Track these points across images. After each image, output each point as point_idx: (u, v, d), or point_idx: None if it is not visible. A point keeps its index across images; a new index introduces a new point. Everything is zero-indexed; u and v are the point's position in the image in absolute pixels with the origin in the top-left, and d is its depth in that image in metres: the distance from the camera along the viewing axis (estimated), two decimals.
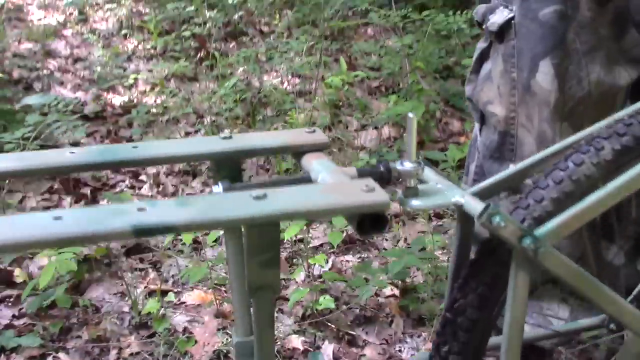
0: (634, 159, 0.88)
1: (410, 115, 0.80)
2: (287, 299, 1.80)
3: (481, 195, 0.88)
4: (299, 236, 2.08)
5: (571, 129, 1.18)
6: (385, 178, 0.82)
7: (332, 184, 0.73)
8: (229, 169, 0.84)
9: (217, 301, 1.80)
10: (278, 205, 0.65)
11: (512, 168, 0.98)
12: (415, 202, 0.83)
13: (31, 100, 2.42)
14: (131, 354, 1.61)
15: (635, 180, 0.84)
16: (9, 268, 1.89)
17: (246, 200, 0.66)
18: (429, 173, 0.88)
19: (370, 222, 0.69)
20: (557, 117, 1.21)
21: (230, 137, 0.85)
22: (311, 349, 1.65)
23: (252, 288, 0.70)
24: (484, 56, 1.33)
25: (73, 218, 0.63)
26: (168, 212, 0.64)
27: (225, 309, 1.78)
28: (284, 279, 1.92)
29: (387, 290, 1.90)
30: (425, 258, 1.87)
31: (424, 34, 3.06)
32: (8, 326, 1.68)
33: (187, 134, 2.86)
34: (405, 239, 2.15)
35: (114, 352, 1.62)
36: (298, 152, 0.86)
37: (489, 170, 1.31)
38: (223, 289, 1.87)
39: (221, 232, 2.12)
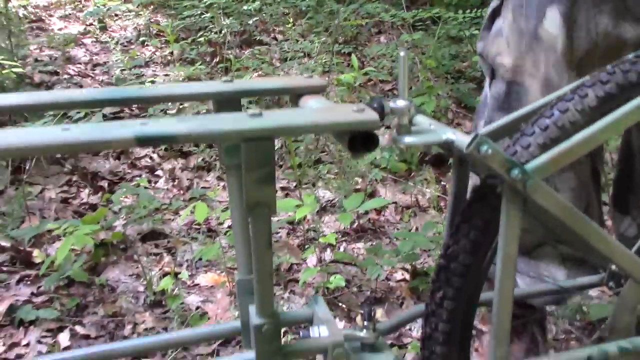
0: (617, 106, 0.91)
1: (402, 53, 0.84)
2: (298, 281, 1.84)
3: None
4: (311, 225, 2.13)
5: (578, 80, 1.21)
6: (379, 114, 0.86)
7: (325, 107, 0.77)
8: (229, 110, 0.88)
9: (230, 283, 1.84)
10: (272, 122, 0.70)
11: (514, 114, 1.01)
12: (407, 139, 0.86)
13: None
14: (146, 329, 1.65)
15: (622, 120, 0.87)
16: (28, 249, 1.95)
17: (243, 117, 0.71)
18: (421, 118, 0.92)
19: (361, 141, 0.73)
20: (564, 65, 1.23)
21: (231, 81, 0.90)
22: None
23: (250, 205, 0.74)
24: (495, 13, 1.36)
25: (80, 130, 0.68)
26: (169, 125, 0.69)
27: (235, 291, 1.82)
28: (296, 263, 1.96)
29: (398, 275, 1.93)
30: (435, 241, 1.90)
31: (435, 36, 3.11)
32: (27, 302, 1.73)
33: None
34: (417, 229, 2.18)
35: (128, 327, 1.66)
36: (296, 94, 0.90)
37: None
38: (236, 272, 1.90)
39: None
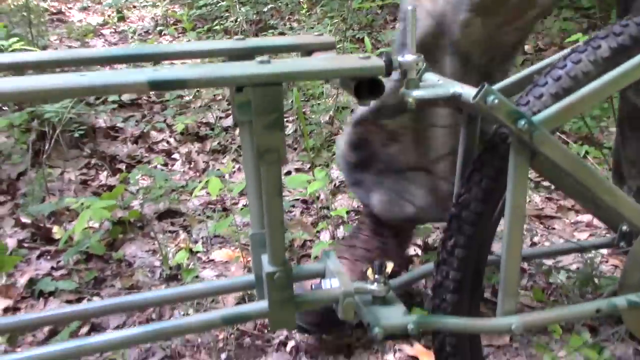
0: (629, 58, 0.92)
1: (410, 7, 0.86)
2: (311, 256, 1.86)
3: None
4: (325, 203, 2.15)
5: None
6: (387, 68, 0.88)
7: (332, 56, 0.79)
8: None
9: (244, 258, 1.87)
10: (280, 68, 0.72)
11: (526, 70, 1.02)
12: (416, 93, 0.87)
13: None
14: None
15: (630, 72, 0.88)
16: (48, 226, 1.99)
17: (252, 64, 0.73)
18: (430, 75, 0.94)
19: (367, 87, 0.75)
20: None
21: (243, 39, 0.92)
22: None
23: (260, 152, 0.76)
24: None
25: (97, 75, 0.70)
26: (181, 71, 0.71)
27: (251, 266, 1.84)
28: (309, 240, 1.98)
29: (410, 250, 1.94)
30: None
31: None
32: (46, 275, 1.77)
33: (220, 118, 2.95)
34: None
35: None
36: (307, 50, 0.92)
37: None
38: (249, 248, 1.93)
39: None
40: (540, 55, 3.51)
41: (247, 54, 0.90)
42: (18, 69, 0.88)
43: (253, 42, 0.92)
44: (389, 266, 0.99)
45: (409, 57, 0.87)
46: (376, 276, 0.94)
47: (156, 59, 0.91)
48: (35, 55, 0.88)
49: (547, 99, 0.92)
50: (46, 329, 1.57)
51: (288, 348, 1.50)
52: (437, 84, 0.90)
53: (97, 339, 0.84)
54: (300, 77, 0.73)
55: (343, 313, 0.88)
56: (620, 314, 0.98)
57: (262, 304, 0.88)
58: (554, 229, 2.08)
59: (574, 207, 2.19)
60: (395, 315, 0.89)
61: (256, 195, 0.95)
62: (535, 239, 1.99)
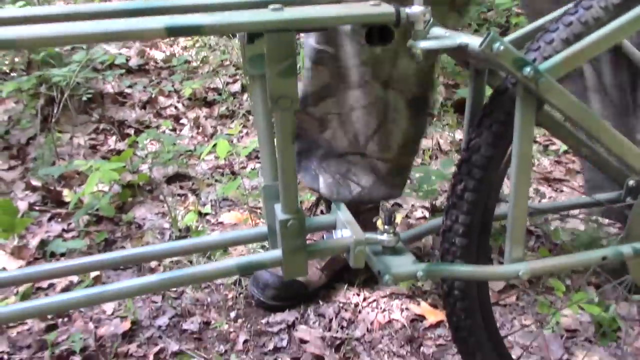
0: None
1: None
2: None
3: None
4: None
5: None
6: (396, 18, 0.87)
7: (345, 4, 0.79)
8: None
9: (253, 220, 1.88)
10: (294, 15, 0.73)
11: (537, 22, 1.02)
12: (423, 44, 0.87)
13: (77, 57, 2.55)
14: (171, 262, 1.70)
15: (637, 20, 0.87)
16: (58, 189, 2.01)
17: (265, 11, 0.74)
18: (437, 29, 0.93)
19: (378, 34, 0.75)
20: None
21: None
22: None
23: (273, 99, 0.77)
24: None
25: (114, 22, 0.70)
26: (197, 18, 0.72)
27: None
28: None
29: (418, 213, 1.95)
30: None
31: None
32: (57, 237, 1.79)
33: (227, 84, 2.95)
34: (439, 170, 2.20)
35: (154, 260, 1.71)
36: (318, 2, 0.91)
37: None
38: (258, 211, 1.94)
39: (258, 165, 2.20)
40: None
41: (260, 3, 0.90)
42: (31, 23, 0.88)
43: None
44: (398, 217, 0.99)
45: (416, 9, 0.86)
46: (385, 226, 0.95)
47: (172, 11, 0.91)
48: (47, 9, 0.88)
49: (557, 44, 0.91)
50: (59, 287, 1.59)
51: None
52: (443, 36, 0.90)
53: (114, 286, 0.85)
54: (313, 23, 0.73)
55: (354, 261, 0.90)
56: (626, 261, 0.99)
57: (276, 253, 0.90)
58: (562, 191, 2.08)
59: (582, 170, 2.19)
60: (405, 263, 0.91)
61: (268, 148, 0.95)
62: (544, 202, 2.00)
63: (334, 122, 1.40)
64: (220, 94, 2.82)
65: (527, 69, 0.82)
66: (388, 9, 0.75)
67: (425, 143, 2.37)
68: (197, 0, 0.91)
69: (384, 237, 0.94)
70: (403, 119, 1.40)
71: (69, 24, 0.69)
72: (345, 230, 0.92)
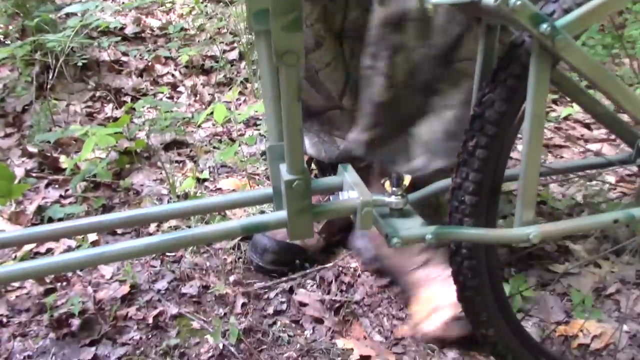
0: None
1: None
2: None
3: None
4: None
5: None
6: None
7: None
8: None
9: (251, 186, 1.86)
10: None
11: None
12: None
13: (72, 8, 2.50)
14: (169, 227, 1.69)
15: None
16: (55, 156, 1.99)
17: None
18: None
19: None
20: None
21: None
22: None
23: (278, 54, 0.74)
24: None
25: None
26: None
27: None
28: None
29: None
30: None
31: None
32: (54, 202, 1.77)
33: (224, 51, 2.91)
34: None
35: (153, 226, 1.70)
36: None
37: None
38: (257, 177, 1.93)
39: (256, 135, 2.18)
40: None
41: None
42: None
43: None
44: (407, 179, 0.97)
45: None
46: (393, 188, 0.93)
47: None
48: None
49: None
50: (57, 253, 1.58)
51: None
52: None
53: (114, 247, 0.83)
54: None
55: (361, 223, 0.88)
56: (637, 224, 0.98)
57: (281, 214, 0.88)
58: (562, 157, 2.07)
59: (582, 136, 2.18)
60: (413, 225, 0.89)
61: (274, 106, 0.93)
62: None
63: (307, 85, 1.39)
64: (217, 62, 2.79)
65: (544, 26, 0.80)
66: None
67: None
68: None
69: (392, 199, 0.92)
70: None
71: None
72: (352, 192, 0.90)
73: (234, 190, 1.88)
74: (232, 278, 1.48)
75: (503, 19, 0.90)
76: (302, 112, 1.30)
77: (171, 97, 2.57)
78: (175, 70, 2.80)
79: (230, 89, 2.62)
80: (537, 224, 0.90)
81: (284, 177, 0.85)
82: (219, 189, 1.90)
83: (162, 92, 2.51)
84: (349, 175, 0.94)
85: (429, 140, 1.26)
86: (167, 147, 2.14)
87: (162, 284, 1.46)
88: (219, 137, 2.20)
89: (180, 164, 2.04)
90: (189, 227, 1.67)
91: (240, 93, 2.57)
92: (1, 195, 1.67)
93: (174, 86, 2.66)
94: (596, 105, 1.02)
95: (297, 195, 0.85)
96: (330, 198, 1.07)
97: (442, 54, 1.19)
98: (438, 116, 1.24)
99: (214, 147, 2.13)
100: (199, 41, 3.00)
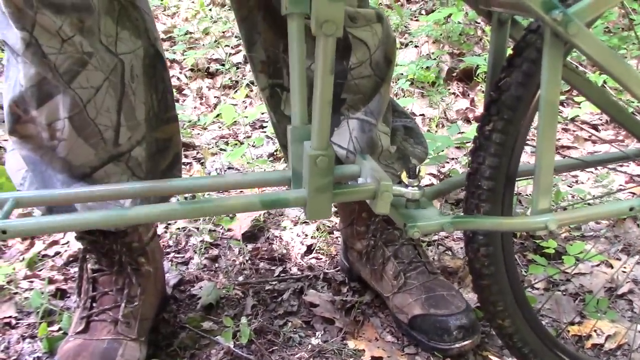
0: None
1: None
2: None
3: None
4: None
5: None
6: None
7: None
8: None
9: (260, 189, 1.85)
10: None
11: None
12: None
13: None
14: (178, 229, 1.68)
15: None
16: None
17: None
18: None
19: None
20: None
21: None
22: None
23: (318, 23, 0.74)
24: None
25: None
26: None
27: None
28: None
29: (425, 181, 1.93)
30: (460, 144, 1.89)
31: None
32: None
33: (229, 55, 2.91)
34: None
35: (161, 226, 1.69)
36: None
37: None
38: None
39: (263, 136, 2.17)
40: None
41: None
42: None
43: None
44: (422, 170, 0.97)
45: None
46: (410, 180, 0.93)
47: None
48: None
49: None
50: (65, 255, 1.57)
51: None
52: None
53: (134, 210, 0.83)
54: None
55: (379, 206, 0.88)
56: None
57: (300, 191, 0.88)
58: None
59: (590, 137, 2.17)
60: (430, 215, 0.89)
61: (300, 88, 0.92)
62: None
63: (67, 137, 1.06)
64: (222, 65, 2.78)
65: (556, 12, 0.79)
66: None
67: (432, 112, 2.35)
68: None
69: (409, 190, 0.91)
70: (141, 84, 1.12)
71: None
72: (371, 179, 0.90)
73: (241, 191, 1.88)
74: (240, 278, 1.47)
75: (515, 8, 0.90)
76: (60, 182, 1.11)
77: (177, 100, 2.57)
78: (180, 73, 2.80)
79: (236, 91, 2.62)
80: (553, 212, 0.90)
81: (308, 152, 0.85)
82: (227, 190, 1.89)
83: None
84: (368, 162, 0.94)
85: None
86: None
87: (171, 284, 1.46)
88: (225, 139, 2.19)
89: (187, 166, 2.03)
90: (197, 228, 1.67)
91: (246, 95, 2.57)
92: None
93: (179, 89, 2.66)
94: (608, 100, 1.01)
95: (320, 172, 0.85)
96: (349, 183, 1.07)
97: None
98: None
99: (221, 149, 2.12)
100: (203, 45, 3.00)
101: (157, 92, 1.17)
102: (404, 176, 0.94)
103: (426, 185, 1.91)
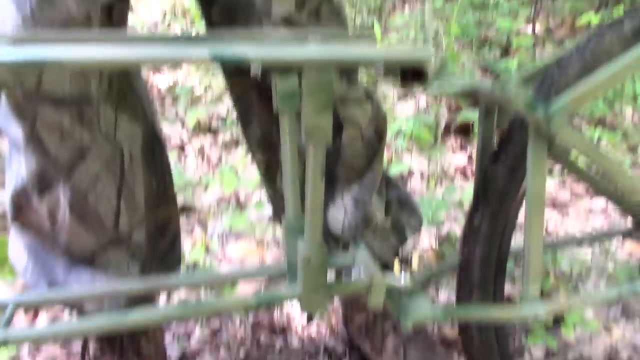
0: None
1: (427, 5, 0.86)
2: None
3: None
4: None
5: None
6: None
7: (381, 46, 0.81)
8: None
9: (261, 253, 1.87)
10: (335, 52, 0.74)
11: (544, 59, 1.02)
12: (435, 87, 0.87)
13: None
14: (180, 300, 1.69)
15: None
16: None
17: (309, 45, 0.75)
18: (447, 71, 0.93)
19: (412, 74, 0.76)
20: None
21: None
22: None
23: (308, 132, 0.78)
24: None
25: (159, 47, 0.71)
26: (243, 48, 0.73)
27: (268, 261, 1.85)
28: None
29: (424, 243, 1.94)
30: (459, 205, 1.90)
31: (458, 2, 3.11)
32: None
33: (230, 110, 2.95)
34: (443, 198, 2.19)
35: (163, 297, 1.70)
36: None
37: None
38: (266, 242, 1.94)
39: (263, 197, 2.19)
40: (551, 34, 3.49)
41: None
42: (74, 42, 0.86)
43: (300, 32, 0.93)
44: (415, 258, 0.99)
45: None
46: (401, 270, 0.96)
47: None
48: (92, 34, 0.87)
49: (571, 72, 0.91)
50: None
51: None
52: (454, 77, 0.90)
53: (136, 313, 0.85)
54: (353, 62, 0.75)
55: (373, 302, 0.91)
56: None
57: (295, 288, 0.91)
58: (568, 215, 2.07)
59: (588, 192, 2.19)
60: (422, 306, 0.92)
61: (293, 181, 0.94)
62: (550, 226, 1.99)
63: (67, 224, 1.09)
64: (225, 122, 2.82)
65: (539, 110, 0.82)
66: (427, 51, 0.77)
67: (430, 168, 2.37)
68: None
69: (401, 279, 0.94)
70: (140, 168, 1.14)
71: (115, 47, 0.68)
72: (364, 270, 0.93)
73: (243, 257, 1.89)
74: (242, 354, 1.48)
75: (499, 103, 0.93)
76: (61, 266, 1.14)
77: (179, 158, 2.60)
78: (182, 129, 2.84)
79: (238, 148, 2.64)
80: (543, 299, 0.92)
81: (302, 252, 0.87)
82: (228, 256, 1.91)
83: (171, 157, 2.52)
84: (361, 252, 0.96)
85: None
86: None
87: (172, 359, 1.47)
88: (227, 201, 2.21)
89: (189, 229, 2.05)
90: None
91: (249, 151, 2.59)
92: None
93: (181, 147, 2.69)
94: (597, 180, 1.03)
95: (313, 271, 0.88)
96: (344, 272, 1.09)
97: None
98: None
99: (223, 212, 2.14)
100: (205, 101, 3.04)
101: (156, 173, 1.19)
102: (396, 264, 0.96)
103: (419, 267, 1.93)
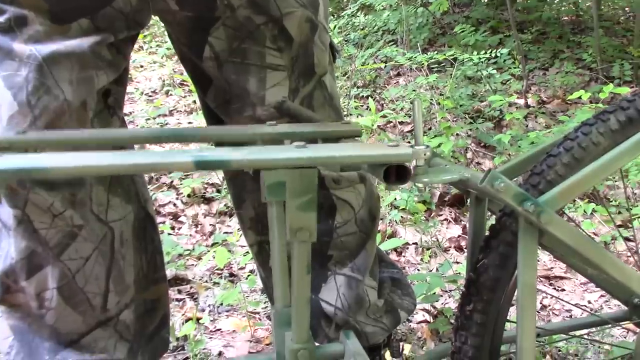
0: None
1: (416, 102, 0.87)
2: None
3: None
4: None
5: None
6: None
7: (363, 143, 0.82)
8: None
9: (252, 327, 1.85)
10: (316, 153, 0.75)
11: (529, 152, 1.04)
12: (425, 179, 0.88)
13: None
14: None
15: (635, 148, 0.88)
16: None
17: (289, 148, 0.77)
18: (437, 159, 0.95)
19: (395, 173, 0.77)
20: None
21: (275, 124, 0.97)
22: None
23: (292, 230, 0.78)
24: None
25: (144, 155, 0.71)
26: (225, 152, 0.73)
27: (259, 335, 1.83)
28: None
29: (419, 317, 1.92)
30: (454, 280, 1.89)
31: (452, 76, 3.16)
32: None
33: (224, 179, 2.96)
34: (437, 269, 2.18)
35: None
36: (334, 137, 0.95)
37: None
38: (257, 316, 1.92)
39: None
40: (543, 107, 3.55)
41: (277, 139, 0.95)
42: (60, 147, 0.87)
43: (284, 127, 0.95)
44: (407, 348, 0.98)
45: (418, 147, 0.88)
46: (393, 358, 0.94)
47: (195, 140, 0.94)
48: (75, 133, 0.89)
49: (559, 168, 0.92)
50: None
51: None
52: (444, 169, 0.91)
53: None
54: (336, 162, 0.75)
55: None
56: None
57: None
58: (563, 290, 2.06)
59: None
60: None
61: (281, 272, 0.94)
62: (545, 302, 1.97)
63: (54, 307, 1.07)
64: (218, 191, 2.83)
65: (528, 204, 0.83)
66: (406, 150, 0.78)
67: (424, 241, 2.37)
68: (220, 131, 0.95)
69: None
70: (130, 248, 1.14)
71: (104, 155, 0.69)
72: None
73: (234, 331, 1.87)
74: None
75: (488, 196, 0.93)
76: (47, 348, 1.10)
77: (172, 228, 2.59)
78: (177, 199, 2.84)
79: (232, 218, 2.65)
80: None
81: (289, 346, 0.87)
82: (219, 329, 1.88)
83: (165, 229, 2.52)
84: (351, 343, 0.95)
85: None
86: (168, 283, 2.13)
87: None
88: (219, 273, 2.20)
89: (180, 302, 2.03)
90: None
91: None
92: None
93: (175, 216, 2.69)
94: (587, 267, 1.03)
95: None
96: None
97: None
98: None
99: (215, 283, 2.12)
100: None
101: (147, 253, 1.19)
102: (388, 355, 0.95)
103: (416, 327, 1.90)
